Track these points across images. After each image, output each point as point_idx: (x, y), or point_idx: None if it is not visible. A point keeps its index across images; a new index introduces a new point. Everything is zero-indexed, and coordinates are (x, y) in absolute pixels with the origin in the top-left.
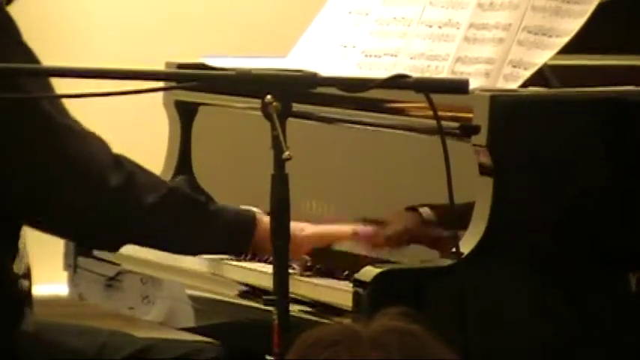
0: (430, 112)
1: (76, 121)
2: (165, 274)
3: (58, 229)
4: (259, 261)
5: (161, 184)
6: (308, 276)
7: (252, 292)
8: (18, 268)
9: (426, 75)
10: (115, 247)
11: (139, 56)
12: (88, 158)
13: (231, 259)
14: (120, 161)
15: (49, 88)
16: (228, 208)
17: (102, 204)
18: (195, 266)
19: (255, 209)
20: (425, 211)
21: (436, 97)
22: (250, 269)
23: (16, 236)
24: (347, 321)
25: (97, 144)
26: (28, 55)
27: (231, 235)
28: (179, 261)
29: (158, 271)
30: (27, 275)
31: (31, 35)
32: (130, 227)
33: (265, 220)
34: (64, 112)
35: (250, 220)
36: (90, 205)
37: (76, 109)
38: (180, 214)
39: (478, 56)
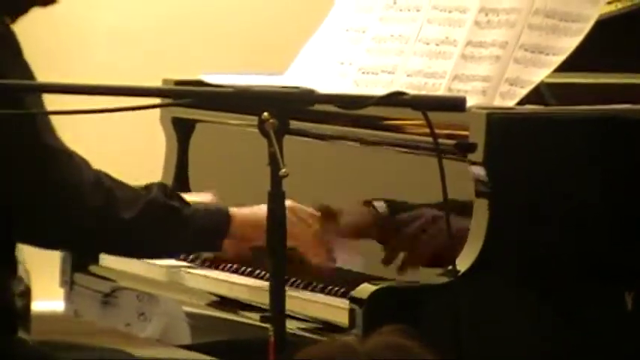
0: (426, 130)
1: (58, 139)
2: (162, 290)
3: (41, 243)
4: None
5: (138, 197)
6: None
7: (221, 302)
8: (15, 286)
9: (423, 92)
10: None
11: (137, 73)
12: (69, 178)
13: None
14: (99, 178)
15: (42, 104)
16: (201, 208)
17: (83, 223)
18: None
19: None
20: (380, 206)
21: (433, 115)
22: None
23: (10, 250)
24: (344, 338)
25: (78, 163)
26: (27, 71)
27: (206, 234)
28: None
29: (154, 287)
30: (24, 295)
31: (29, 51)
32: (111, 242)
33: (237, 212)
34: (49, 130)
35: (224, 215)
36: (71, 224)
37: (72, 125)
38: (158, 224)
39: (475, 74)
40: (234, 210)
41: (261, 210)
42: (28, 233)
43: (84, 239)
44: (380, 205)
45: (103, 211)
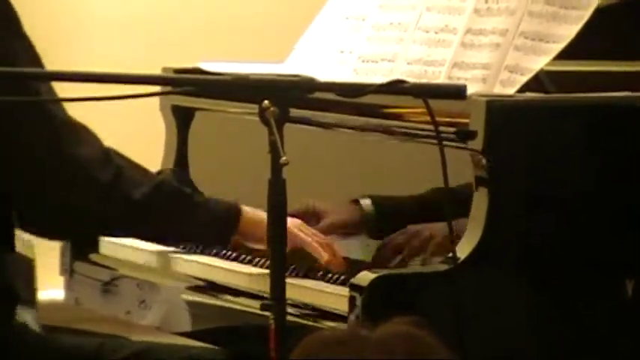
0: (427, 118)
1: (67, 114)
2: (162, 278)
3: (49, 226)
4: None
5: (149, 177)
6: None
7: (221, 289)
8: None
9: (423, 80)
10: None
11: (136, 61)
12: (80, 154)
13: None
14: (109, 155)
15: (50, 86)
16: (213, 200)
17: (92, 199)
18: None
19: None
20: (365, 203)
21: (433, 103)
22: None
23: (7, 227)
24: (354, 326)
25: (89, 138)
26: (28, 47)
27: (216, 226)
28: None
29: (155, 275)
30: (26, 270)
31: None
32: (119, 221)
33: (249, 210)
34: (59, 106)
35: (235, 210)
36: (81, 200)
37: (72, 113)
38: (167, 206)
39: (475, 62)
40: (245, 207)
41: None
42: (35, 213)
43: (90, 215)
44: (365, 203)
45: (111, 187)
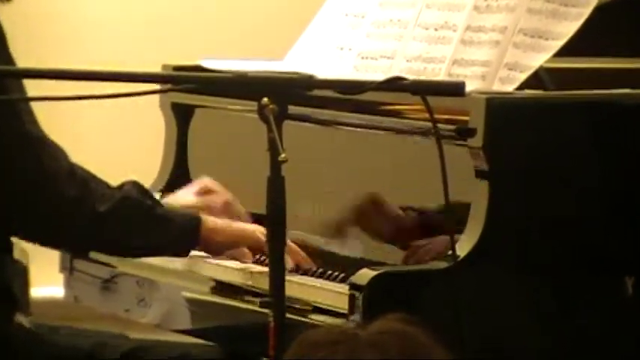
0: (426, 115)
1: (38, 127)
2: (162, 276)
3: (18, 234)
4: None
5: (112, 192)
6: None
7: (221, 287)
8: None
9: (423, 77)
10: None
11: (136, 58)
12: (48, 168)
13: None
14: (75, 171)
15: (25, 93)
16: (174, 211)
17: (58, 213)
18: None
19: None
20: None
21: (432, 100)
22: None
23: (5, 232)
24: (345, 323)
25: (56, 153)
26: (9, 61)
27: (178, 237)
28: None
29: (154, 273)
30: (21, 276)
31: (29, 37)
32: (85, 235)
33: (210, 219)
34: (30, 118)
35: (195, 220)
36: (46, 214)
37: (72, 111)
38: (131, 220)
39: (474, 59)
40: (206, 217)
41: (235, 224)
42: (4, 223)
43: (57, 230)
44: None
45: (77, 201)
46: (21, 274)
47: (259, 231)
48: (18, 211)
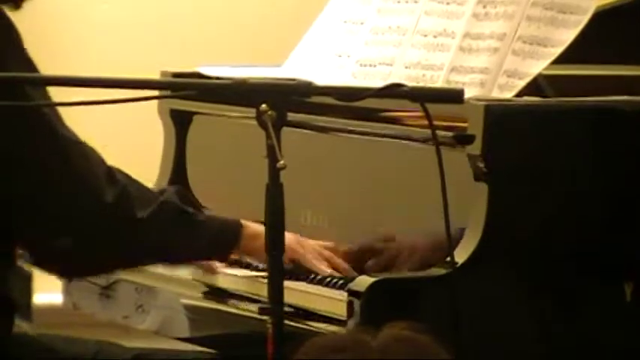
0: (425, 122)
1: (72, 132)
2: (160, 283)
3: (53, 250)
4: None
5: (152, 197)
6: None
7: (219, 294)
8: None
9: (421, 84)
10: (107, 268)
11: (135, 65)
12: (86, 173)
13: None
14: (113, 174)
15: (49, 98)
16: (214, 217)
17: (97, 219)
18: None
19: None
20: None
21: (431, 107)
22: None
23: (8, 240)
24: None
25: (93, 156)
26: (30, 64)
27: (218, 244)
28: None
29: (153, 280)
30: (24, 283)
31: (27, 43)
32: (121, 241)
33: (249, 224)
34: (63, 123)
35: (236, 227)
36: (86, 219)
37: (71, 117)
38: (170, 227)
39: (473, 66)
40: (246, 222)
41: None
42: (38, 231)
43: (95, 236)
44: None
45: (116, 207)
46: (24, 280)
47: (295, 241)
48: (60, 217)
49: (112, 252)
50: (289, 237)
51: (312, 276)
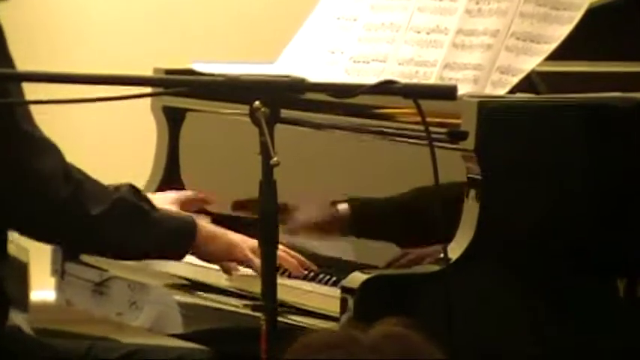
0: (418, 118)
1: (36, 127)
2: (153, 279)
3: (20, 232)
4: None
5: (107, 194)
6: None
7: (213, 290)
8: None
9: (414, 81)
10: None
11: (128, 62)
12: (42, 169)
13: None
14: (69, 172)
15: (22, 94)
16: (170, 216)
17: (51, 214)
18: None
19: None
20: (342, 208)
21: (424, 103)
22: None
23: (2, 236)
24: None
25: (52, 153)
26: (9, 63)
27: (172, 241)
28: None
29: (145, 276)
30: (18, 274)
31: (21, 40)
32: (75, 236)
33: (205, 225)
34: (27, 117)
35: (191, 226)
36: (39, 215)
37: (63, 114)
38: (125, 223)
39: (466, 62)
40: (202, 223)
41: (229, 235)
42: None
43: (49, 230)
44: (343, 207)
45: (71, 202)
46: (18, 272)
47: (248, 246)
48: (13, 209)
49: (68, 245)
50: (241, 242)
51: (306, 273)
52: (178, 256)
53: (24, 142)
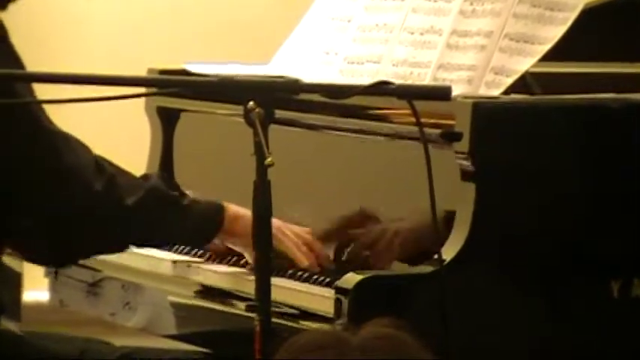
0: (412, 119)
1: (57, 126)
2: (147, 280)
3: (42, 241)
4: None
5: (139, 184)
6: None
7: (207, 291)
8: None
9: (409, 82)
10: (96, 253)
11: (122, 62)
12: (75, 164)
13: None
14: (101, 164)
15: (33, 94)
16: (197, 201)
17: (87, 208)
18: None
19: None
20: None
21: (418, 104)
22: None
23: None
24: (335, 328)
25: (80, 148)
26: (18, 62)
27: (203, 226)
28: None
29: (139, 277)
30: (11, 282)
31: (15, 41)
32: (111, 228)
33: (231, 206)
34: (47, 117)
35: (219, 209)
36: (76, 209)
37: (58, 114)
38: (157, 211)
39: (460, 63)
40: (229, 205)
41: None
42: (28, 225)
43: (86, 224)
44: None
45: (105, 196)
46: (11, 280)
47: (277, 226)
48: (46, 210)
49: (102, 238)
50: (273, 222)
51: (300, 273)
52: (207, 241)
53: (53, 140)
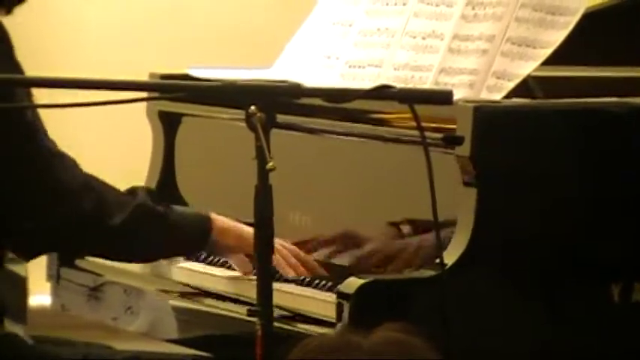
0: (413, 123)
1: (51, 141)
2: (149, 284)
3: (29, 248)
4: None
5: (127, 201)
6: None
7: (208, 295)
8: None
9: (410, 86)
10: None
11: (124, 67)
12: (65, 183)
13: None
14: (89, 182)
15: (32, 102)
16: (185, 215)
17: (75, 227)
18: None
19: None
20: (405, 227)
21: (420, 108)
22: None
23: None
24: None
25: (71, 167)
26: (19, 71)
27: (190, 239)
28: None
29: (141, 281)
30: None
31: (17, 45)
32: (100, 246)
33: (220, 220)
34: (42, 132)
35: (206, 220)
36: (61, 226)
37: (59, 119)
38: (146, 228)
39: (462, 67)
40: (214, 216)
41: (245, 228)
42: (16, 236)
43: (74, 243)
44: (405, 227)
45: (94, 214)
46: (16, 285)
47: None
48: (33, 226)
49: (90, 254)
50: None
51: (302, 278)
52: (196, 252)
53: (42, 156)
